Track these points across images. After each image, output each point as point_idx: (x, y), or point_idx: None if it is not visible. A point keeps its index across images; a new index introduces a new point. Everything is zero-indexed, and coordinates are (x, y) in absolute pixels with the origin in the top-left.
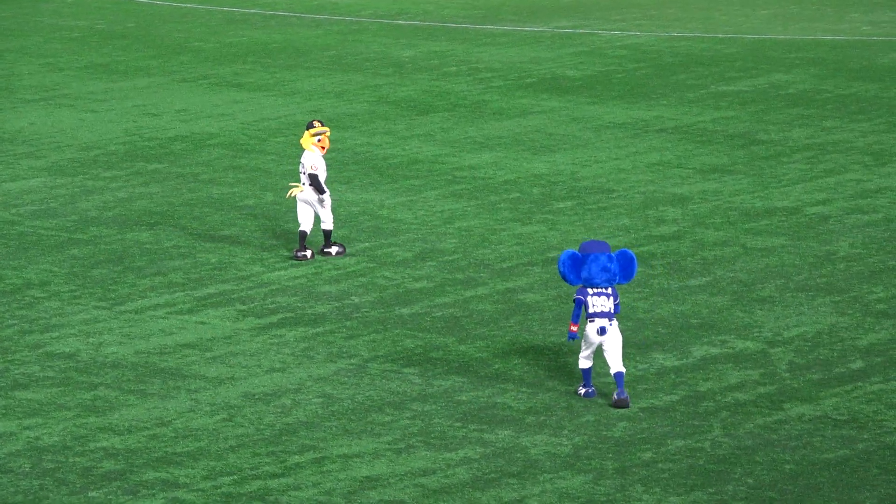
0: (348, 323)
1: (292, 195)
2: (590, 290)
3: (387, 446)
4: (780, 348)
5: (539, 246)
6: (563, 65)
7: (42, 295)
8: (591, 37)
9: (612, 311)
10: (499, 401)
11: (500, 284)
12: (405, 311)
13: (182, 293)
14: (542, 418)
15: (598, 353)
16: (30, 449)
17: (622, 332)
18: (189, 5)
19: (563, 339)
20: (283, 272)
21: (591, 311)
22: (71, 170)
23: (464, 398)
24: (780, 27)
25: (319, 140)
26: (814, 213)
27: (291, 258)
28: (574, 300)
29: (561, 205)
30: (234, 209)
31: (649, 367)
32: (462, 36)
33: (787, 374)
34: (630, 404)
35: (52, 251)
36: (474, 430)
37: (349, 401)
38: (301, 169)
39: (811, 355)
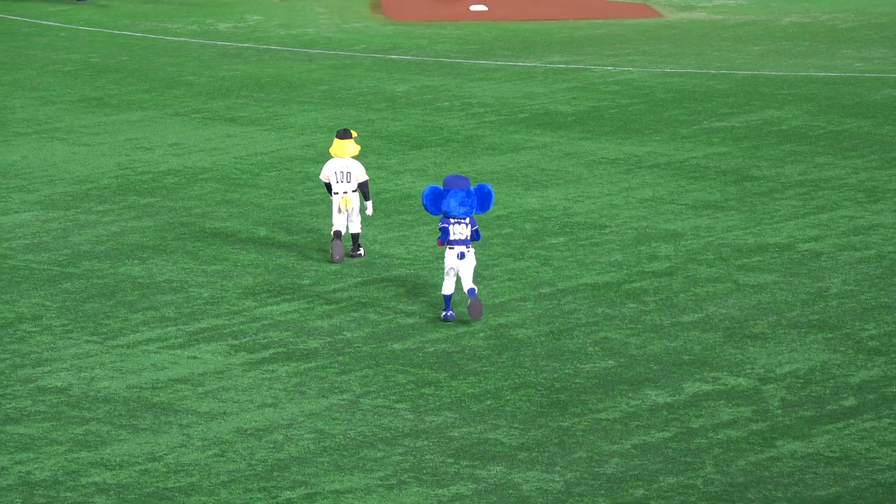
0: (340, 358)
1: (345, 208)
2: (451, 220)
3: (378, 482)
4: (772, 385)
5: (531, 281)
6: (556, 100)
7: (34, 329)
8: (584, 72)
9: (468, 237)
10: (491, 437)
11: (493, 320)
12: (397, 346)
13: (174, 328)
14: (534, 454)
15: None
16: (21, 484)
17: (613, 368)
18: (182, 39)
19: (556, 375)
20: (275, 307)
21: (452, 237)
22: (63, 203)
23: (456, 434)
24: (773, 63)
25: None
26: (806, 250)
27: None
28: (440, 228)
29: (553, 240)
30: (227, 244)
31: (641, 404)
32: (455, 71)
33: (780, 411)
34: (482, 308)
35: (45, 285)
36: (466, 466)
37: (341, 436)
38: (344, 178)
39: (803, 392)
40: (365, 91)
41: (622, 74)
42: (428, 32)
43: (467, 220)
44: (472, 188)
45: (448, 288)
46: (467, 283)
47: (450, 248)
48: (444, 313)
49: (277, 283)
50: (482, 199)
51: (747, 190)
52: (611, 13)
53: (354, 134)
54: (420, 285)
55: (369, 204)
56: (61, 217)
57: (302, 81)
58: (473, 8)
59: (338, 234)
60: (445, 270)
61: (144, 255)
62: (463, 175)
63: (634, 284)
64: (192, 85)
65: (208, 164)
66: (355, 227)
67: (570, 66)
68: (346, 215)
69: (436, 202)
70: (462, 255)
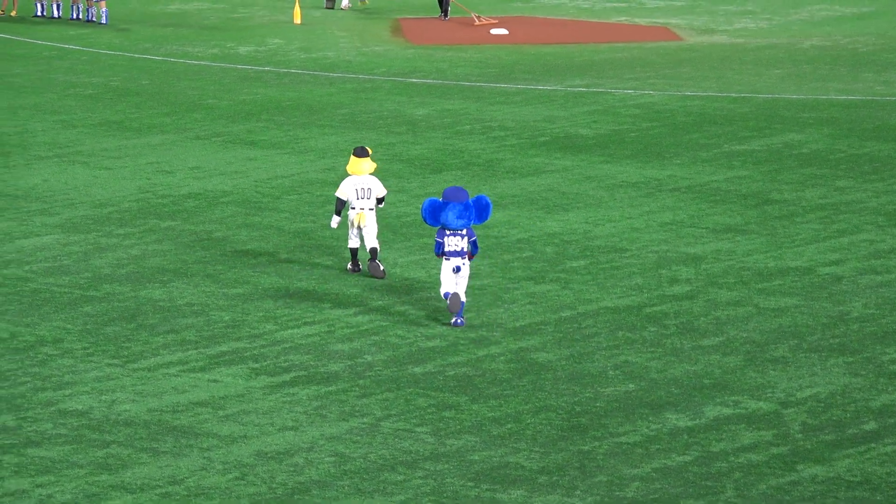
0: (361, 381)
1: (360, 224)
2: (447, 232)
3: None
4: (793, 409)
5: (552, 305)
6: (577, 123)
7: (55, 352)
8: (604, 96)
9: (464, 249)
10: (511, 460)
11: (513, 343)
12: (418, 369)
13: (195, 351)
14: (555, 478)
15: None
16: None
17: (633, 391)
18: (203, 63)
19: (576, 398)
20: (295, 330)
21: (447, 249)
22: (84, 227)
23: (476, 458)
24: (794, 87)
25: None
26: (827, 274)
27: (350, 271)
28: (435, 242)
29: (574, 264)
30: (248, 267)
31: (662, 427)
32: (476, 94)
33: (800, 435)
34: (460, 308)
35: (66, 308)
36: (487, 489)
37: (362, 460)
38: (365, 194)
39: (824, 416)
40: (385, 114)
41: (643, 98)
42: (448, 56)
43: (464, 232)
44: (470, 200)
45: (447, 289)
46: (459, 289)
47: (446, 260)
48: (453, 320)
49: (298, 307)
50: (480, 211)
51: (768, 213)
52: (631, 37)
53: (370, 151)
54: (441, 309)
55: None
56: (82, 240)
57: (322, 105)
58: (494, 31)
59: (354, 251)
60: (442, 281)
61: (165, 279)
62: (462, 188)
63: (655, 308)
64: (213, 108)
65: (229, 188)
66: (372, 242)
67: (590, 89)
68: (359, 231)
69: (434, 214)
70: (458, 269)
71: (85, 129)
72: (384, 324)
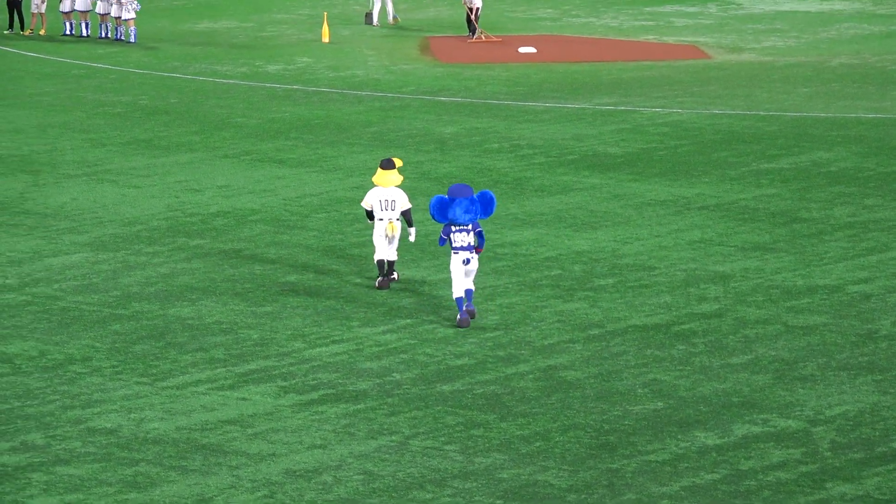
0: (389, 400)
1: (390, 233)
2: (453, 228)
3: None
4: (822, 427)
5: (580, 323)
6: (605, 142)
7: (84, 370)
8: (632, 114)
9: (472, 244)
10: (540, 478)
11: (542, 361)
12: (446, 387)
13: (223, 369)
14: (584, 496)
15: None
16: None
17: (662, 409)
18: (231, 81)
19: (605, 416)
20: (324, 349)
21: (454, 245)
22: (113, 245)
23: (505, 476)
24: (822, 105)
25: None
26: (856, 292)
27: (376, 287)
28: (440, 237)
29: (602, 282)
30: (276, 285)
31: (691, 446)
32: (504, 113)
33: (830, 453)
34: (469, 319)
35: (94, 326)
36: None
37: (390, 478)
38: (389, 206)
39: (853, 434)
40: (414, 133)
41: (671, 116)
42: (476, 74)
43: (470, 227)
44: (475, 196)
45: (458, 292)
46: (468, 284)
47: (455, 254)
48: (459, 317)
49: (326, 325)
50: (485, 205)
51: (796, 232)
52: (659, 55)
53: (399, 163)
54: (469, 327)
55: (412, 230)
56: (111, 259)
57: (351, 123)
58: (522, 50)
59: (381, 263)
60: (453, 276)
61: (194, 297)
62: (468, 184)
63: (683, 326)
64: (242, 127)
65: (257, 206)
66: (392, 255)
67: (618, 107)
68: (388, 242)
69: (442, 211)
70: (467, 261)
71: (114, 147)
72: (412, 342)
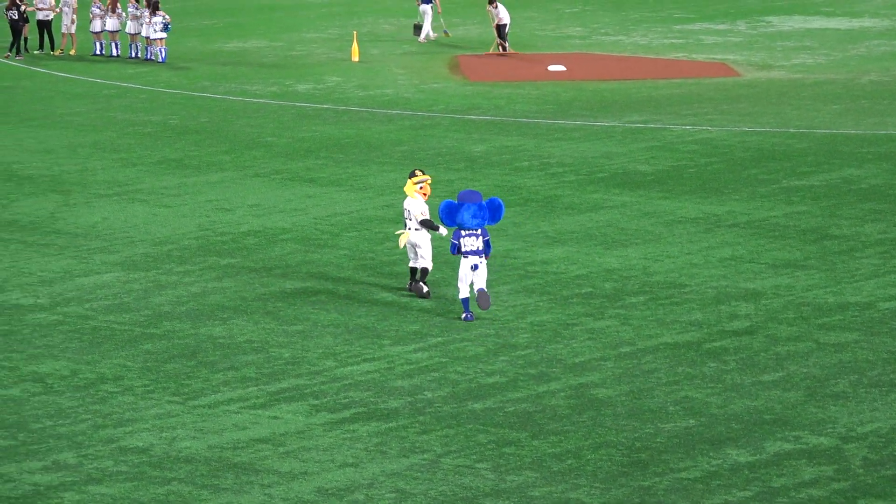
0: (421, 418)
1: (403, 243)
2: (463, 232)
3: None
4: (854, 444)
5: (611, 341)
6: (635, 159)
7: (115, 389)
8: (662, 132)
9: (481, 248)
10: (572, 496)
11: (573, 379)
12: (478, 405)
13: (255, 388)
14: None
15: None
16: None
17: (693, 427)
18: (262, 101)
19: (637, 434)
20: (355, 367)
21: (464, 249)
22: (144, 264)
23: (537, 493)
24: (852, 122)
25: (421, 187)
26: (887, 309)
27: (409, 292)
28: (451, 243)
29: (633, 299)
30: (307, 304)
31: (723, 463)
32: (534, 131)
33: (862, 471)
34: (489, 300)
35: (126, 346)
36: None
37: (422, 496)
38: (406, 215)
39: (885, 451)
40: (444, 151)
41: (701, 133)
42: (506, 92)
43: (479, 232)
44: (483, 202)
45: (463, 293)
46: (479, 284)
47: (464, 258)
48: (464, 315)
49: (358, 343)
50: (493, 212)
51: (827, 249)
52: (689, 72)
53: (419, 175)
54: (500, 345)
55: (442, 228)
56: (142, 278)
57: (381, 142)
58: (552, 68)
59: (413, 270)
60: (460, 278)
61: (225, 316)
62: (477, 191)
63: (715, 343)
64: (272, 146)
65: (288, 225)
66: (424, 263)
67: (648, 125)
68: (412, 250)
69: (451, 215)
70: (475, 267)
71: (144, 167)
72: (444, 360)
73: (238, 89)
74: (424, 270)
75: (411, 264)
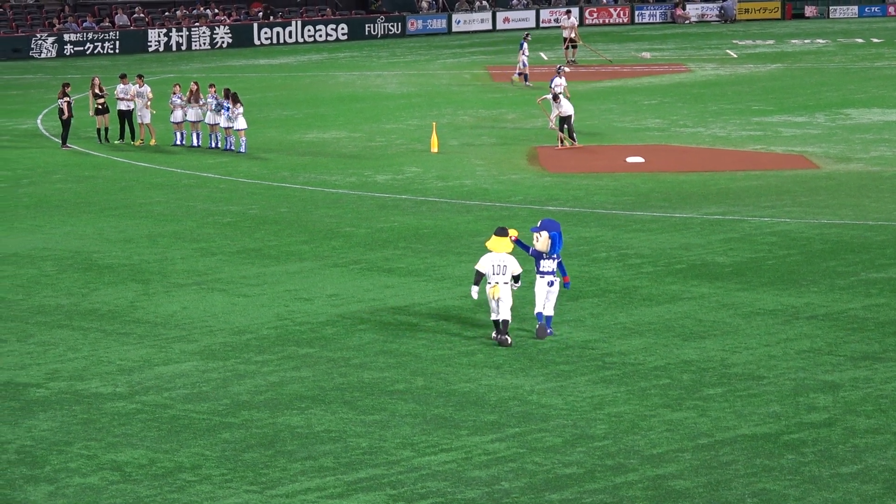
0: None
1: (495, 297)
2: (543, 255)
3: None
4: None
5: (689, 432)
6: (713, 251)
7: (193, 478)
8: (740, 223)
9: (554, 269)
10: None
11: (651, 471)
12: (555, 496)
13: (332, 477)
14: None
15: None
16: None
17: None
18: (341, 191)
19: None
20: (433, 457)
21: (542, 270)
22: (223, 354)
23: None
24: None
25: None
26: None
27: (494, 340)
28: (532, 254)
29: (711, 391)
30: (385, 394)
31: None
32: (612, 222)
33: None
34: (546, 334)
35: (204, 435)
36: None
37: None
38: (500, 270)
39: None
40: None
41: (779, 225)
42: (584, 184)
43: (555, 256)
44: (557, 232)
45: (539, 307)
46: (549, 311)
47: (541, 277)
48: (538, 325)
49: (435, 433)
50: (561, 239)
51: None
52: (767, 164)
53: (513, 233)
54: (578, 435)
55: (518, 284)
56: (221, 367)
57: (459, 232)
58: (630, 160)
59: (496, 322)
60: (536, 294)
61: (303, 405)
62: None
63: (793, 435)
64: (351, 236)
65: (366, 315)
66: (505, 315)
67: (726, 216)
68: (497, 304)
69: (557, 245)
70: (551, 283)
71: (223, 256)
72: (521, 450)
73: (317, 179)
74: (506, 322)
75: (493, 317)
